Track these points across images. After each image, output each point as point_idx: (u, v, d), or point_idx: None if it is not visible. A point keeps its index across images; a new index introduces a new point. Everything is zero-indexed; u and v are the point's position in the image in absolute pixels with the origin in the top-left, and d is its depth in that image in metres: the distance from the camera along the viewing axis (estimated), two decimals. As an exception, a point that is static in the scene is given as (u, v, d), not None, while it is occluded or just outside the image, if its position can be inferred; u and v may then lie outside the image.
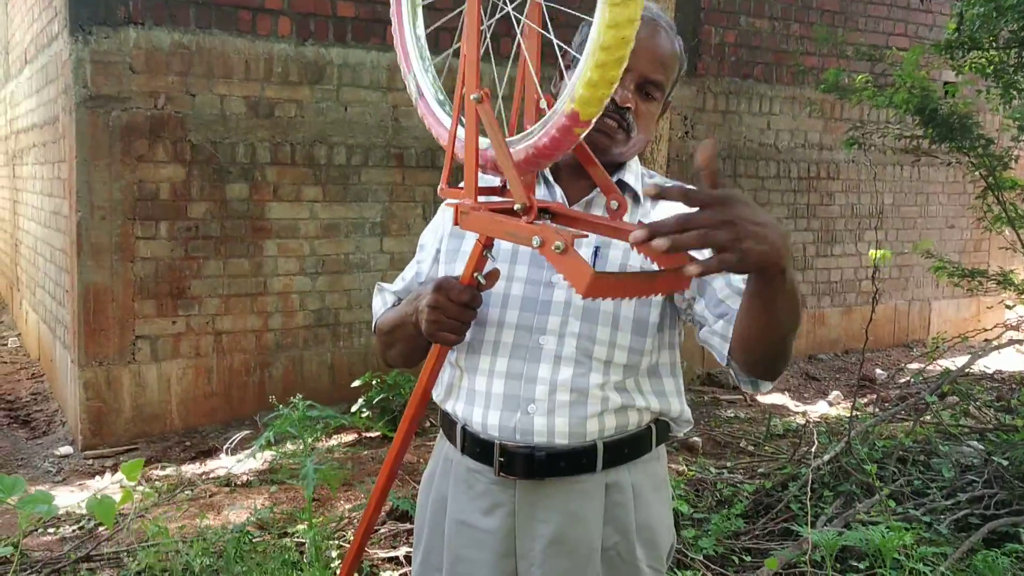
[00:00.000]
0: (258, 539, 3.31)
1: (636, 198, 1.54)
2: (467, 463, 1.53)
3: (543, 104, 1.35)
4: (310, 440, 3.03)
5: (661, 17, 1.50)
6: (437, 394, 1.61)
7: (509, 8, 1.30)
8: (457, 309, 1.38)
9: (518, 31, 1.31)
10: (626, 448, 1.50)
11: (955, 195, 8.27)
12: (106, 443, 4.74)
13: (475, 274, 1.38)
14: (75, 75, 4.58)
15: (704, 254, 1.14)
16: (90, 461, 4.59)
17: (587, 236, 1.27)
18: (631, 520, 1.51)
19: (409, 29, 1.51)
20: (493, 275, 1.41)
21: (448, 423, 1.58)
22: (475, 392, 1.51)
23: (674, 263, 1.14)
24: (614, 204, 1.33)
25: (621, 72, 1.12)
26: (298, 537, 3.42)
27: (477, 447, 1.50)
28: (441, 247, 1.60)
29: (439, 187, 1.42)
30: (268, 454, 4.25)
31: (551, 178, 1.54)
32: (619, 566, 1.51)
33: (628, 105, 1.45)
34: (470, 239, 1.52)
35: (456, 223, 1.33)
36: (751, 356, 1.33)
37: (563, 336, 1.45)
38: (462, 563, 1.52)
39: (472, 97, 1.26)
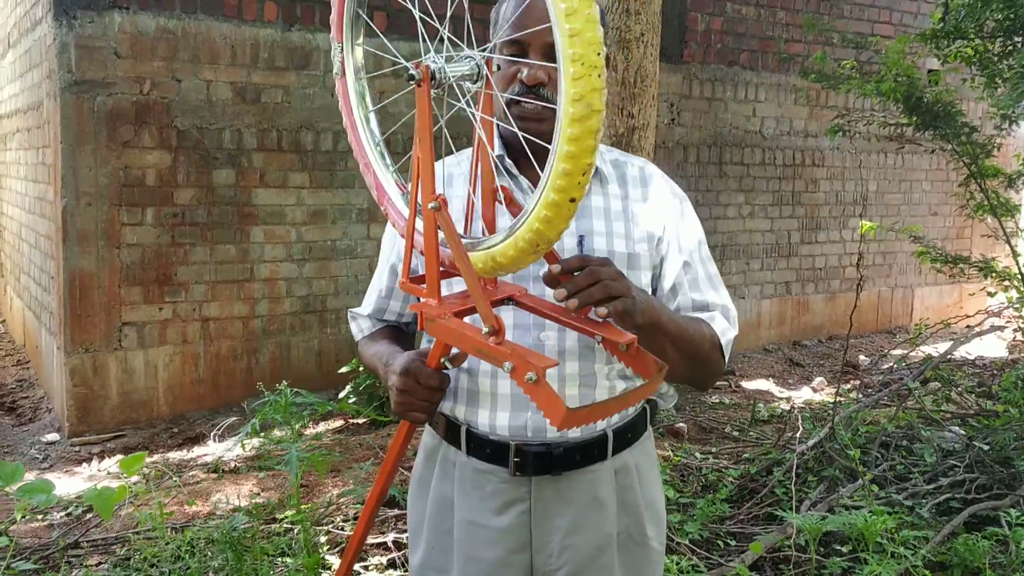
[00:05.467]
0: (246, 525, 3.32)
1: (602, 178, 1.52)
2: (474, 464, 1.50)
3: (500, 196, 1.33)
4: (297, 427, 3.03)
5: None
6: None
7: (462, 103, 1.25)
8: (426, 392, 1.37)
9: (476, 122, 1.27)
10: (629, 433, 1.53)
11: (939, 183, 8.33)
12: (93, 430, 4.73)
13: (441, 359, 1.35)
14: (59, 60, 4.54)
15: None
16: (77, 448, 4.59)
17: (556, 363, 1.20)
18: (640, 501, 1.54)
19: (363, 129, 1.44)
20: (459, 358, 1.39)
21: (448, 426, 1.54)
22: (479, 393, 1.48)
23: (640, 367, 1.26)
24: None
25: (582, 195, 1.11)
26: (287, 523, 3.44)
27: (487, 448, 1.48)
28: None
29: (399, 280, 1.38)
30: (255, 440, 4.26)
31: (515, 169, 1.50)
32: (631, 548, 1.53)
33: (540, 81, 1.39)
34: None
35: (421, 328, 1.31)
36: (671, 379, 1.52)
37: (563, 329, 1.43)
38: (473, 563, 1.50)
39: (430, 206, 1.22)
